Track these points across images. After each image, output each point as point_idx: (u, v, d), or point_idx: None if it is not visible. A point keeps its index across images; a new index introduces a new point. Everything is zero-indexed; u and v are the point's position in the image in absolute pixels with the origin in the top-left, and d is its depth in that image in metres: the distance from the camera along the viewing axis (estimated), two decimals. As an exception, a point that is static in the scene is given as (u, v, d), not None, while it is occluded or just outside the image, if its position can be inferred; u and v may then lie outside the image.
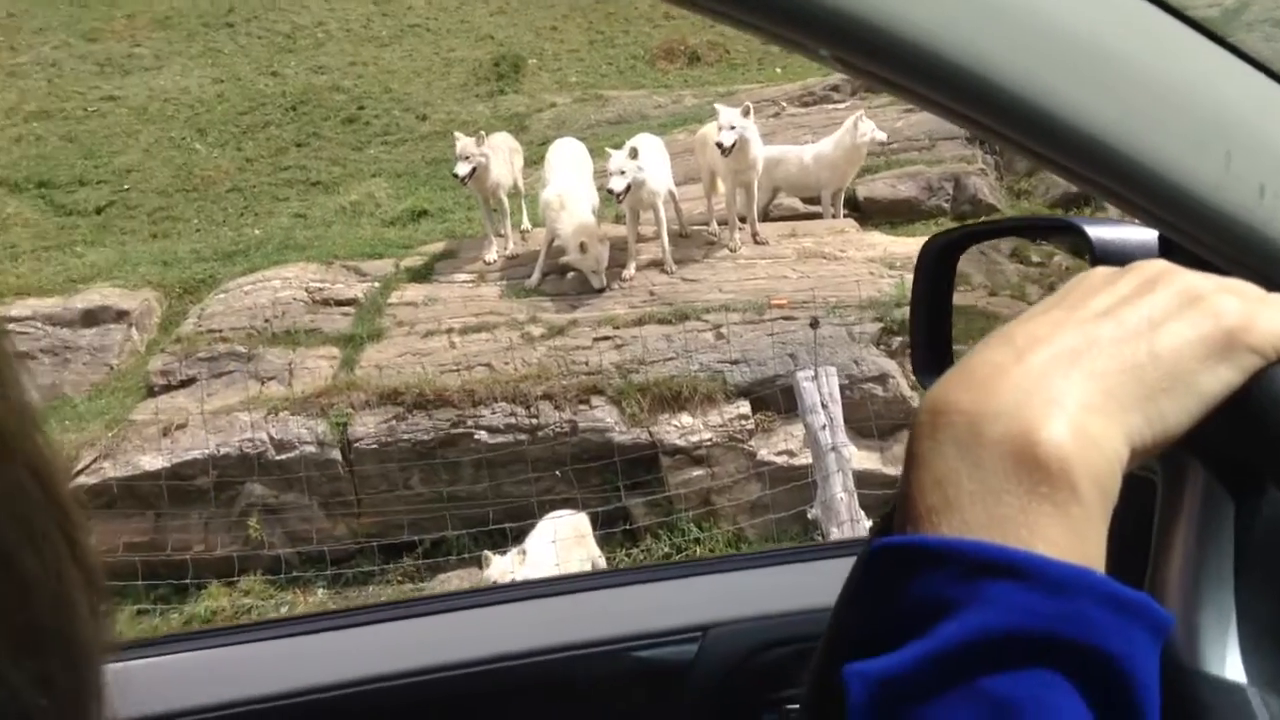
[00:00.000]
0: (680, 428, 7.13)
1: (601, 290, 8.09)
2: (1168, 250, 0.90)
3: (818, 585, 1.49)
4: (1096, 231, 0.94)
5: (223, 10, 16.39)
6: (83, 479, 7.10)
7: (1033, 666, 0.40)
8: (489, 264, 8.73)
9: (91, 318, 8.73)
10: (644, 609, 1.54)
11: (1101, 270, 0.54)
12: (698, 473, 7.00)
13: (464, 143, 8.35)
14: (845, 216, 8.95)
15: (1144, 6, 0.75)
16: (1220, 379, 0.49)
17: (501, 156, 8.40)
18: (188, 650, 1.46)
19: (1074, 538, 0.43)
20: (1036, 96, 0.71)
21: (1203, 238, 0.79)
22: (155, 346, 8.51)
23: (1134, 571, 0.62)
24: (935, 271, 1.11)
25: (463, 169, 8.27)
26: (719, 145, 7.70)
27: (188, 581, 6.78)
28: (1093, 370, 0.47)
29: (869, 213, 9.28)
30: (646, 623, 1.48)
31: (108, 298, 8.89)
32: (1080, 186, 0.84)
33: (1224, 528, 0.65)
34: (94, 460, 7.24)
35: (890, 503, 0.71)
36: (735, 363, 7.28)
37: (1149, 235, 0.91)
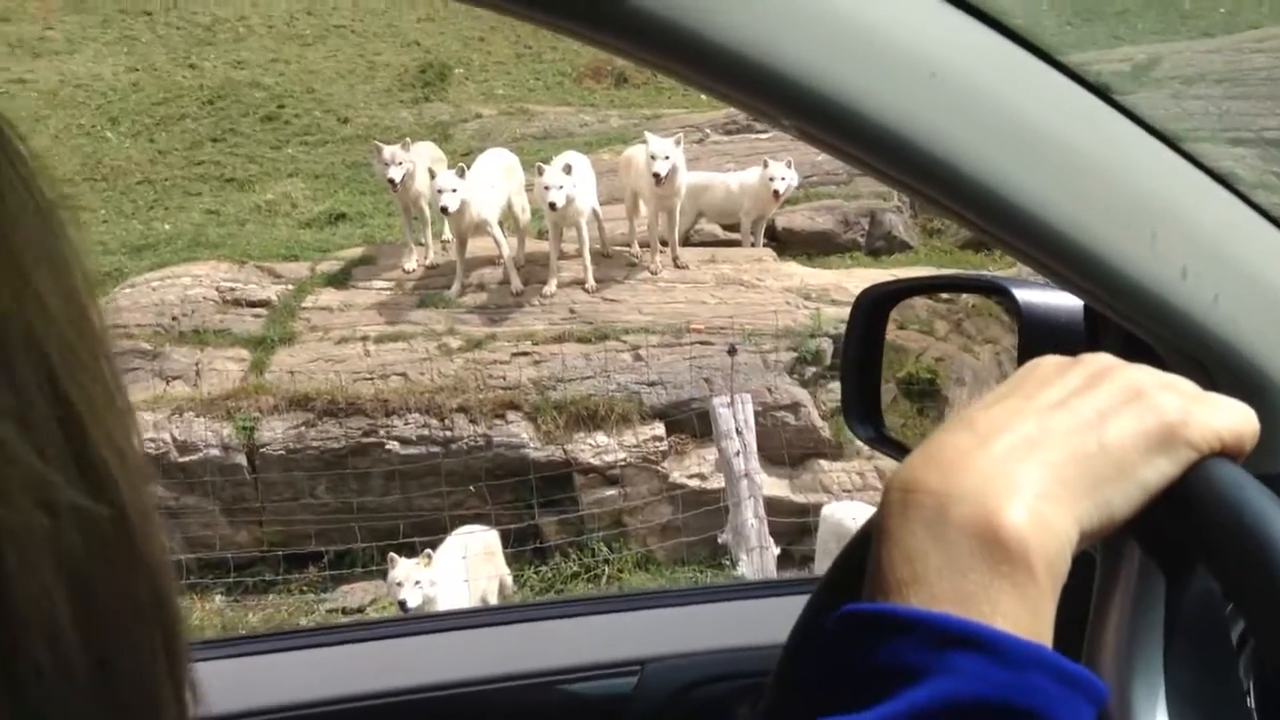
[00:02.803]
0: (595, 446, 7.14)
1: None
2: (1091, 318, 0.95)
3: (755, 623, 1.52)
4: (1024, 295, 0.99)
5: (142, -2, 15.98)
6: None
7: None
8: (408, 272, 8.65)
9: (-12, 307, 8.41)
10: (582, 641, 1.55)
11: (1051, 360, 0.59)
12: (610, 492, 7.02)
13: (391, 149, 8.28)
14: (764, 246, 9.08)
15: (1080, 93, 0.81)
16: (1160, 470, 0.53)
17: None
18: None
19: (1029, 614, 0.47)
20: (974, 170, 0.76)
21: (1126, 310, 0.84)
22: (55, 340, 8.22)
23: (1071, 641, 0.67)
24: (867, 323, 1.15)
25: (396, 173, 8.19)
26: (655, 175, 7.78)
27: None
28: (1048, 459, 0.51)
29: (787, 243, 9.44)
30: (585, 655, 1.49)
31: None
32: (1011, 255, 0.89)
33: (1156, 603, 0.69)
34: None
35: (838, 568, 0.75)
36: (652, 385, 7.33)
37: (1074, 302, 0.96)
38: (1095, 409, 0.54)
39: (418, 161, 8.35)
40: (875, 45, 0.73)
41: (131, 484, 0.35)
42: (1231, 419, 0.56)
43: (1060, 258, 0.81)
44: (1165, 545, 0.62)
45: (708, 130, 11.88)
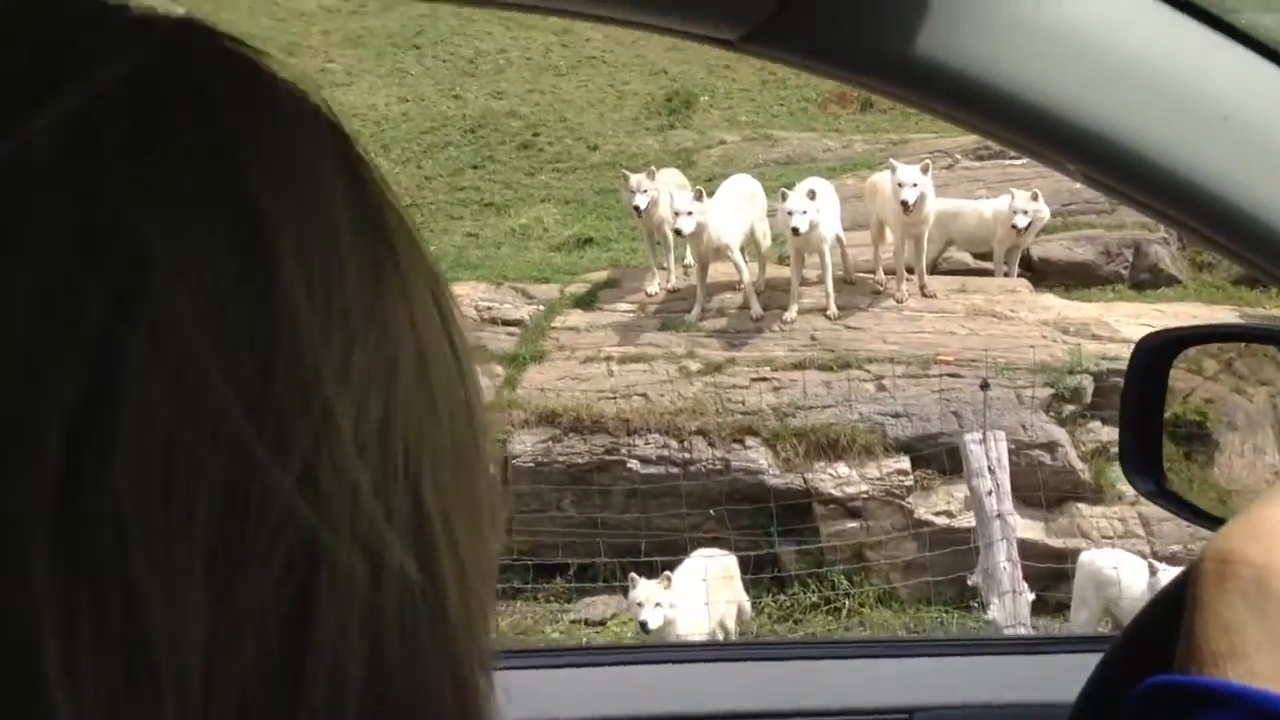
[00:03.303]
0: (836, 477, 7.06)
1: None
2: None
3: (1030, 679, 1.47)
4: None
5: (411, 32, 17.09)
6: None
7: None
8: (650, 296, 8.84)
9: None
10: (849, 684, 1.53)
11: None
12: (851, 525, 6.92)
13: (637, 178, 8.51)
14: (1019, 276, 8.74)
15: None
16: None
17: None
18: None
19: None
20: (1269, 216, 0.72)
21: None
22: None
23: None
24: (1147, 371, 1.09)
25: (641, 201, 8.41)
26: (903, 204, 7.65)
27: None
28: None
29: (1043, 273, 9.04)
30: (852, 699, 1.48)
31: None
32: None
33: None
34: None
35: (1135, 633, 0.71)
36: (896, 416, 7.19)
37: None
38: None
39: (661, 188, 8.54)
40: (1168, 90, 0.70)
41: (460, 580, 0.36)
42: None
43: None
44: None
45: (957, 155, 11.56)
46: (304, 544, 0.31)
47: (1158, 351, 1.11)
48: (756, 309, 8.31)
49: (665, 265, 8.99)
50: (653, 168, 8.84)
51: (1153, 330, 1.14)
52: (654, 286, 8.89)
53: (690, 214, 7.82)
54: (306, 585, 0.31)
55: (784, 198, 7.89)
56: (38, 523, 0.28)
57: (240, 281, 0.31)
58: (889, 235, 8.42)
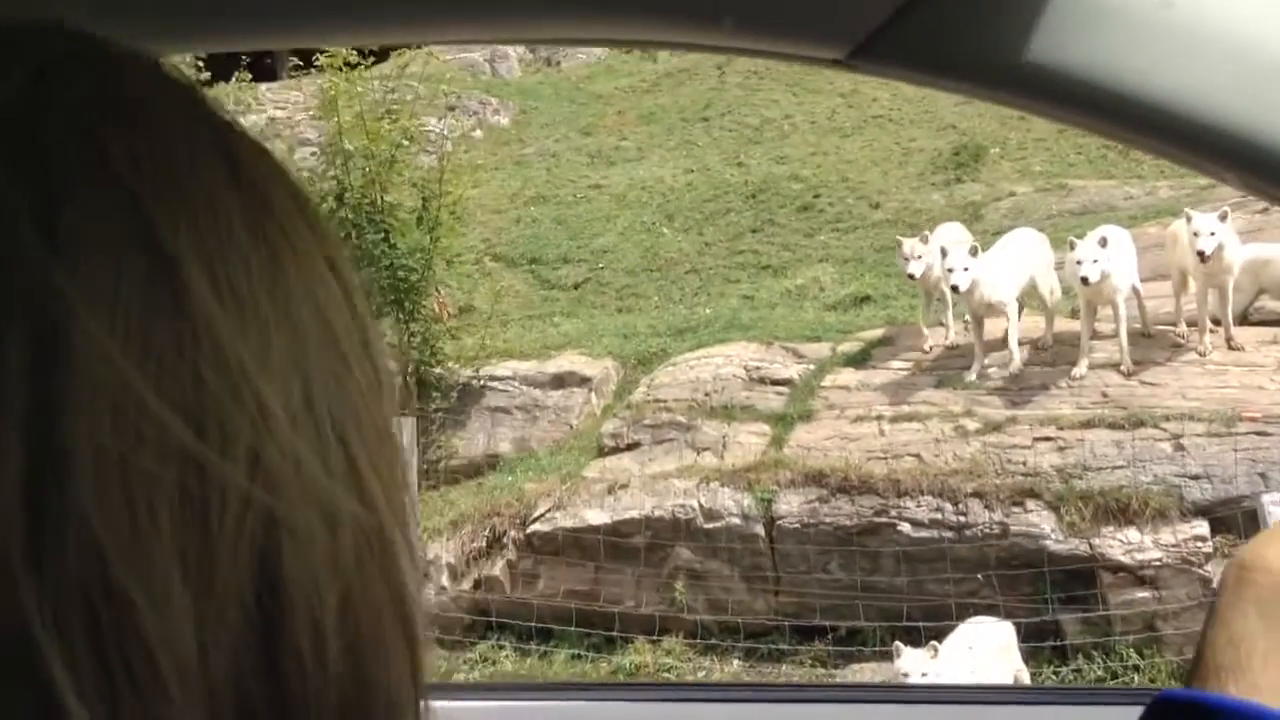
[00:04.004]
0: (1125, 543, 6.53)
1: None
2: None
3: None
4: None
5: (701, 106, 17.69)
6: (537, 526, 7.86)
7: None
8: (926, 353, 8.61)
9: (560, 381, 9.69)
10: None
11: None
12: (1142, 594, 6.35)
13: (910, 243, 8.38)
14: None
15: None
16: None
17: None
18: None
19: None
20: None
21: None
22: (609, 411, 9.25)
23: None
24: None
25: (916, 269, 8.27)
26: (1199, 253, 7.10)
27: (615, 634, 7.23)
28: None
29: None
30: None
31: (575, 364, 9.82)
32: None
33: None
34: (549, 509, 7.98)
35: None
36: (1195, 478, 6.57)
37: None
38: None
39: (936, 245, 8.34)
40: None
41: (395, 513, 0.39)
42: None
43: None
44: None
45: (1279, 195, 10.50)
46: (265, 522, 0.34)
47: None
48: (1016, 363, 7.94)
49: (944, 321, 8.75)
50: (926, 233, 8.67)
51: None
52: (929, 344, 8.66)
53: (966, 269, 7.60)
54: (274, 555, 0.34)
55: (1072, 247, 7.50)
56: (14, 555, 0.30)
57: (151, 300, 0.33)
58: (1192, 285, 7.78)
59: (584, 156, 16.44)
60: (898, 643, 5.76)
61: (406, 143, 9.44)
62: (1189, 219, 7.34)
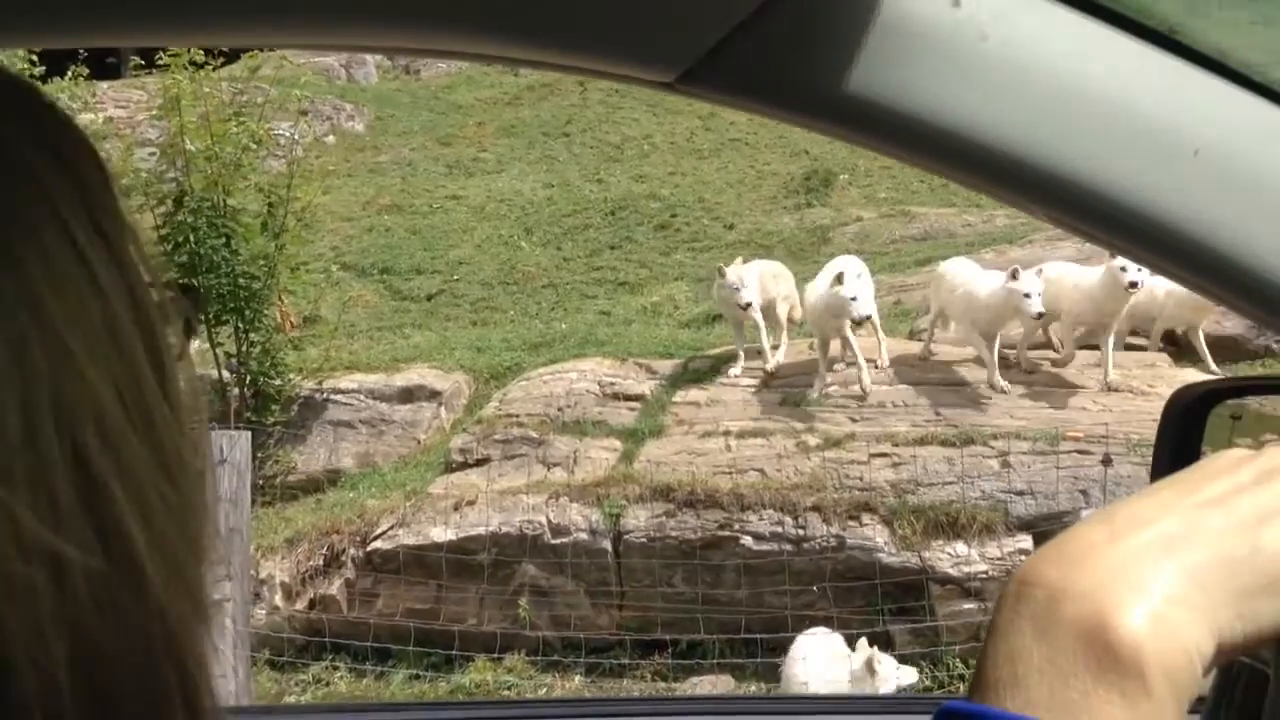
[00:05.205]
0: (954, 556, 6.79)
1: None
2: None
3: None
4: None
5: (562, 121, 17.75)
6: (378, 543, 7.68)
7: None
8: (770, 372, 8.77)
9: (408, 395, 9.51)
10: None
11: (1234, 453, 0.51)
12: (969, 605, 6.61)
13: (737, 271, 8.56)
14: (1159, 350, 8.30)
15: None
16: None
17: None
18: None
19: None
20: (1240, 250, 0.67)
21: None
22: (459, 426, 9.13)
23: None
24: (1181, 427, 1.05)
25: (751, 297, 8.35)
26: (1037, 315, 7.42)
27: (455, 653, 7.12)
28: (1188, 561, 0.45)
29: (1186, 348, 8.55)
30: None
31: (424, 378, 9.66)
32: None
33: None
34: (391, 527, 7.82)
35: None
36: (1020, 494, 6.88)
37: None
38: (1257, 509, 0.46)
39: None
40: (1134, 124, 0.67)
41: (159, 547, 0.36)
42: None
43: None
44: None
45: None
46: None
47: (1192, 406, 1.06)
48: (867, 382, 8.15)
49: (776, 344, 8.87)
50: (739, 259, 8.91)
51: (1185, 384, 1.08)
52: (773, 363, 8.82)
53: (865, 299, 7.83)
54: None
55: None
56: None
57: None
58: (952, 326, 8.35)
59: (442, 166, 16.28)
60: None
61: (254, 146, 9.13)
62: (1014, 275, 7.55)
